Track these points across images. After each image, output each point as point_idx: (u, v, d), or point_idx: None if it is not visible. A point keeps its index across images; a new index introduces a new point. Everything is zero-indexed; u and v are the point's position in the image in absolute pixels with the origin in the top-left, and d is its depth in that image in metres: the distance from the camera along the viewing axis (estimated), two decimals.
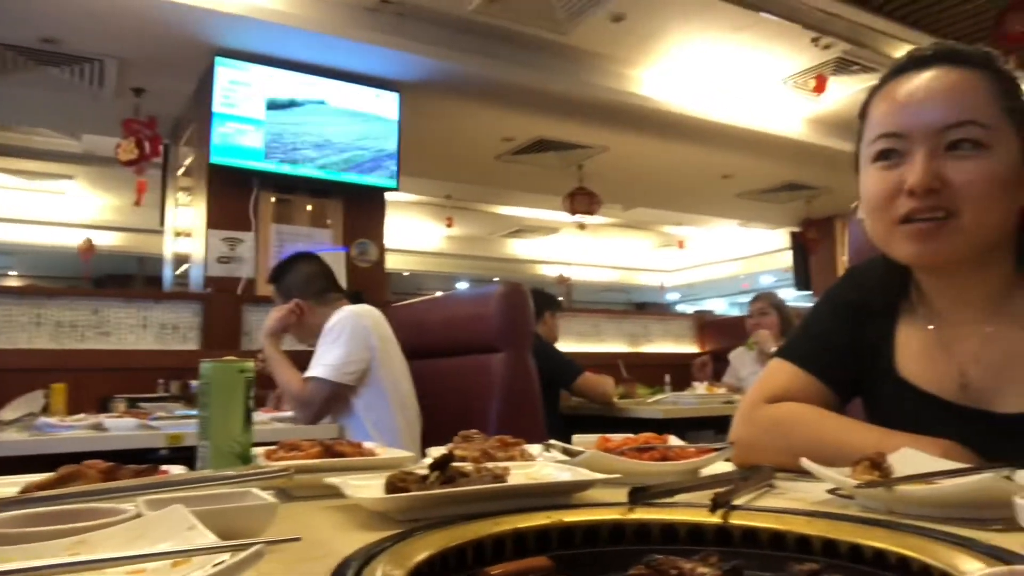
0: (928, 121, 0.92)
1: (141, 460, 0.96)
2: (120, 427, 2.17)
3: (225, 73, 4.68)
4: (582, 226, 8.86)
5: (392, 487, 0.77)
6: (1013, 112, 0.92)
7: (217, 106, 4.63)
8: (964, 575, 0.48)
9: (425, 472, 0.82)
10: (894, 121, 0.95)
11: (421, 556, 0.61)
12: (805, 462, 0.84)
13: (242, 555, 0.49)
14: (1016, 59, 4.26)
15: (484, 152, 6.78)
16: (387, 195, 5.40)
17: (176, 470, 0.94)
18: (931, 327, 1.03)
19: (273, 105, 4.82)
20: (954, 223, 0.90)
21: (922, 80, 0.95)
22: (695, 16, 4.80)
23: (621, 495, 0.76)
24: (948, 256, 0.93)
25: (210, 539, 0.54)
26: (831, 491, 0.83)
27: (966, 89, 0.92)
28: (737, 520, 0.71)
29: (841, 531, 0.65)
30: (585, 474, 0.84)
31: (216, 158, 4.64)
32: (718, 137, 6.35)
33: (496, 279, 10.63)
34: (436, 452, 1.01)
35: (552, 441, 1.08)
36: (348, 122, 5.04)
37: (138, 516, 0.63)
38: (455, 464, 0.84)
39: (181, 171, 5.90)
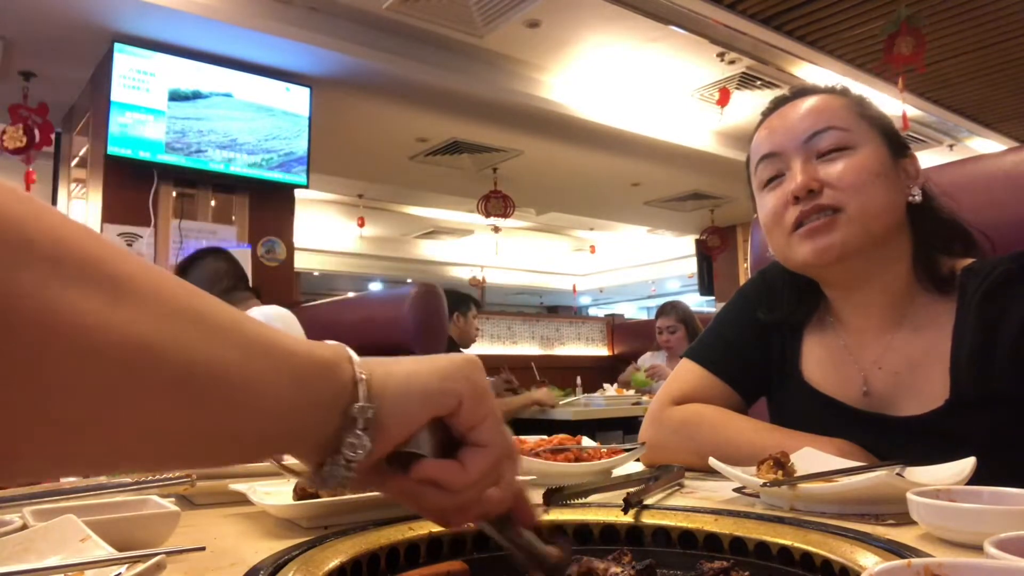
0: (796, 135, 1.03)
1: None
2: None
3: (124, 60, 4.46)
4: (496, 229, 8.91)
5: (302, 493, 0.75)
6: (870, 118, 1.04)
7: (115, 95, 4.41)
8: (863, 569, 0.50)
9: None
10: (770, 143, 1.06)
11: (333, 563, 0.59)
12: (713, 461, 0.86)
13: (142, 567, 0.46)
14: (904, 80, 4.55)
15: (398, 152, 6.71)
16: (297, 192, 5.27)
17: (68, 478, 0.89)
18: (837, 335, 1.08)
19: (176, 96, 4.62)
20: (843, 217, 0.97)
21: (787, 108, 1.08)
22: (608, 26, 4.90)
23: (536, 496, 0.76)
24: (841, 250, 0.98)
25: (106, 551, 0.51)
26: (737, 490, 0.86)
27: (823, 105, 1.04)
28: (648, 519, 0.72)
29: (748, 528, 0.67)
30: None
31: (114, 149, 4.41)
32: (628, 145, 6.51)
33: (409, 280, 10.54)
34: None
35: None
36: (256, 116, 4.89)
37: (24, 528, 0.59)
38: None
39: (75, 162, 5.58)
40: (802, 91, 1.10)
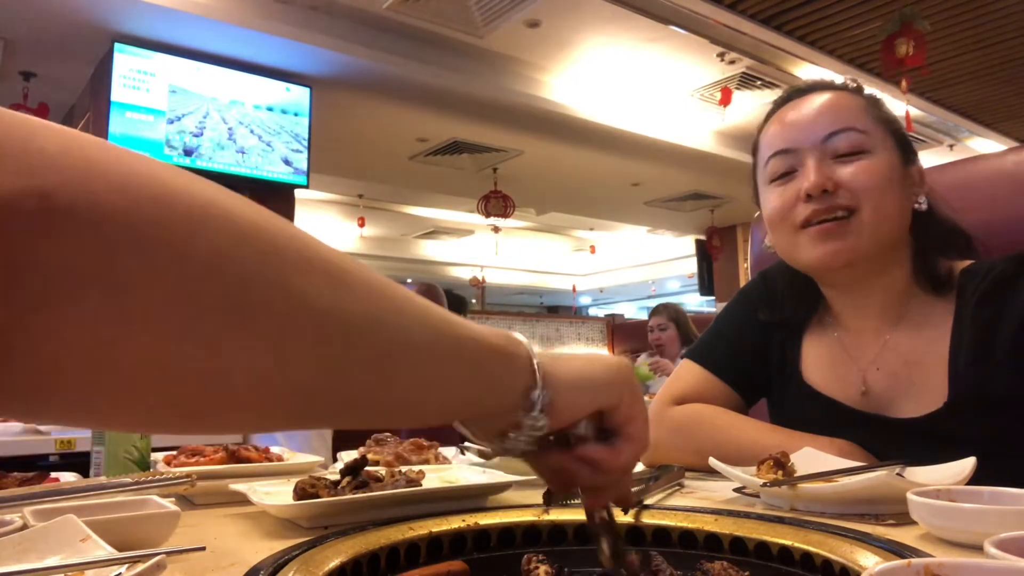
0: (813, 133, 1.01)
1: (28, 468, 0.90)
2: (4, 432, 2.02)
3: (124, 60, 4.46)
4: (496, 229, 8.91)
5: (302, 493, 0.75)
6: (885, 121, 1.02)
7: (115, 95, 4.41)
8: (863, 569, 0.50)
9: (336, 477, 0.80)
10: (784, 138, 1.04)
11: (333, 563, 0.59)
12: (713, 461, 0.86)
13: (142, 567, 0.46)
14: (908, 81, 4.55)
15: (398, 152, 6.71)
16: (297, 192, 5.27)
17: (68, 478, 0.89)
18: (836, 335, 1.08)
19: (176, 96, 4.62)
20: (856, 220, 0.96)
21: (803, 102, 1.05)
22: (608, 26, 4.90)
23: (536, 497, 0.76)
24: (852, 254, 0.97)
25: (106, 551, 0.51)
26: (738, 490, 0.86)
27: (842, 104, 1.03)
28: (648, 519, 0.72)
29: (748, 528, 0.67)
30: (500, 476, 0.84)
31: None
32: (628, 146, 6.50)
33: (410, 280, 10.53)
34: (348, 456, 0.99)
35: (467, 443, 1.07)
36: (256, 116, 4.89)
37: (24, 528, 0.59)
38: (368, 468, 0.82)
39: None
40: (817, 86, 1.08)
